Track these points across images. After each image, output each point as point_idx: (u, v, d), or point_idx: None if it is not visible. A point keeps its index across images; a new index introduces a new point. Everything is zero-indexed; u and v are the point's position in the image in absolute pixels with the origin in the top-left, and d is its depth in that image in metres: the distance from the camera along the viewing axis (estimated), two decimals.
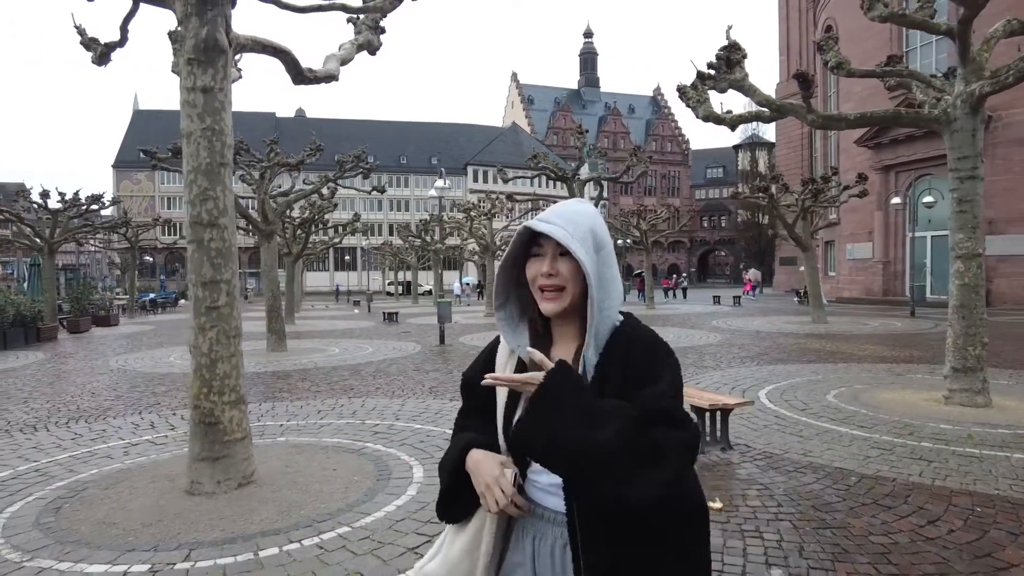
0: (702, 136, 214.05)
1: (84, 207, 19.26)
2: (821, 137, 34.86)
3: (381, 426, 6.00)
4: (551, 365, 1.08)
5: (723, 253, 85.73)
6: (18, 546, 3.42)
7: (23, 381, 9.31)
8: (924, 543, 3.20)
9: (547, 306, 1.18)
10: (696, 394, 5.19)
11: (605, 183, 15.19)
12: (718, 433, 4.95)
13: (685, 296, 35.93)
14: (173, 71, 6.04)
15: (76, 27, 5.71)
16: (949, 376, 6.37)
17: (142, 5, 5.00)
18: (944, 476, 4.22)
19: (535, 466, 1.18)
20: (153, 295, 34.72)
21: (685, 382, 6.23)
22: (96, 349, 13.73)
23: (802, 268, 34.03)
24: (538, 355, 1.10)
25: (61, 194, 18.46)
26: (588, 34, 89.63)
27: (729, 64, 7.13)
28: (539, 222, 1.15)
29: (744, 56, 7.22)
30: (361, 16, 6.05)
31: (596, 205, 14.78)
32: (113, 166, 60.49)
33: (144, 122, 63.02)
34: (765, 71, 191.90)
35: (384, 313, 22.33)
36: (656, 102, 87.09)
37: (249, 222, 12.09)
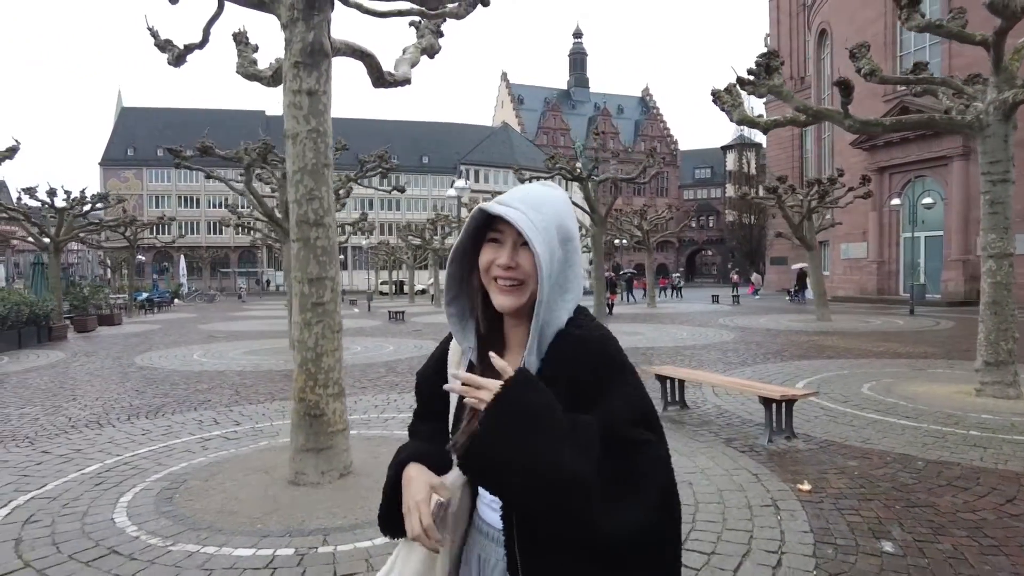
0: (690, 137, 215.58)
1: (90, 206, 19.09)
2: (814, 139, 35.55)
3: None
4: (511, 373, 0.94)
5: (710, 253, 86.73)
6: (154, 532, 3.56)
7: (60, 380, 9.31)
8: (1011, 519, 3.47)
9: (502, 300, 1.03)
10: (761, 386, 5.44)
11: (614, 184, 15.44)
12: (783, 423, 5.21)
13: (681, 295, 36.46)
14: (238, 72, 6.17)
15: (149, 29, 5.80)
16: (981, 369, 6.70)
17: (226, 6, 5.12)
18: (1005, 460, 4.52)
19: None
20: (146, 294, 34.35)
21: (724, 375, 6.46)
22: (111, 348, 13.67)
23: (794, 267, 34.90)
24: (500, 361, 0.96)
25: (67, 192, 18.28)
26: (578, 34, 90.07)
27: (768, 71, 7.40)
28: (498, 204, 1.00)
29: (781, 63, 7.50)
30: (423, 21, 6.21)
31: (611, 206, 15.05)
32: (100, 164, 59.56)
33: (131, 120, 62.19)
34: None
35: (389, 312, 22.40)
36: (645, 103, 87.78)
37: (274, 222, 12.13)
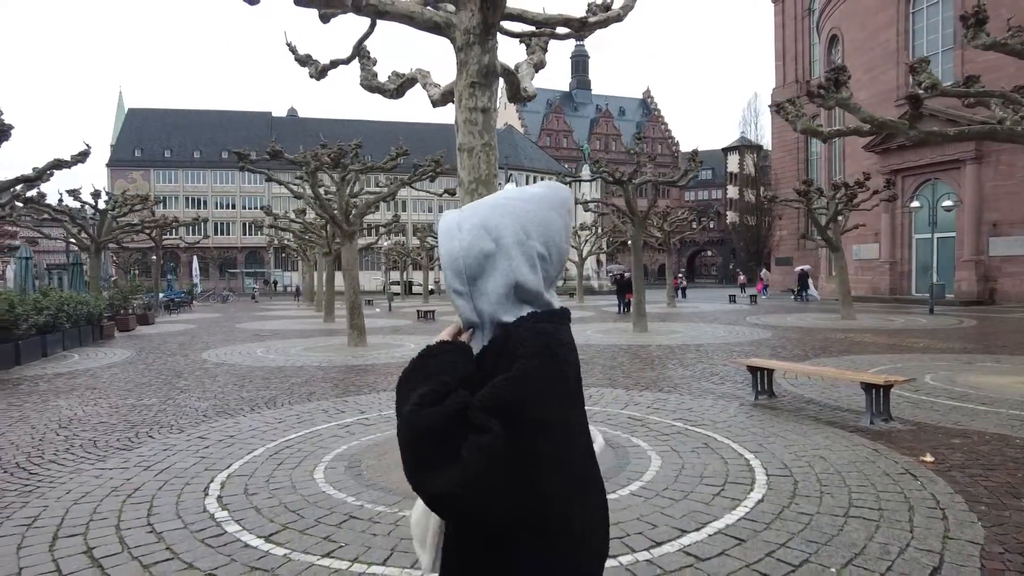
0: (691, 138, 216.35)
1: (128, 207, 19.46)
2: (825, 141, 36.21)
3: None
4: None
5: (710, 253, 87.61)
6: (374, 501, 4.03)
7: (150, 375, 9.72)
8: None
9: None
10: (860, 374, 5.96)
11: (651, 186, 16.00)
12: (880, 406, 5.73)
13: (685, 295, 37.03)
14: (361, 84, 6.66)
15: (288, 44, 6.27)
16: None
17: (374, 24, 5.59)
18: None
19: None
20: (161, 295, 34.62)
21: (811, 366, 6.95)
22: (167, 346, 14.03)
23: (797, 269, 35.68)
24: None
25: (109, 194, 18.64)
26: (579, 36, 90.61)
27: (837, 84, 7.93)
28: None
29: (849, 77, 8.04)
30: (533, 39, 6.70)
31: (649, 208, 15.59)
32: (107, 165, 59.61)
33: (137, 121, 62.34)
34: (762, 75, 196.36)
35: (418, 311, 22.84)
36: (646, 104, 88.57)
37: (334, 223, 12.58)
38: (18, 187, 12.64)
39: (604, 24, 5.05)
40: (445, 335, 1.10)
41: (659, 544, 3.28)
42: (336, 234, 13.56)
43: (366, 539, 3.46)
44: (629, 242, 38.09)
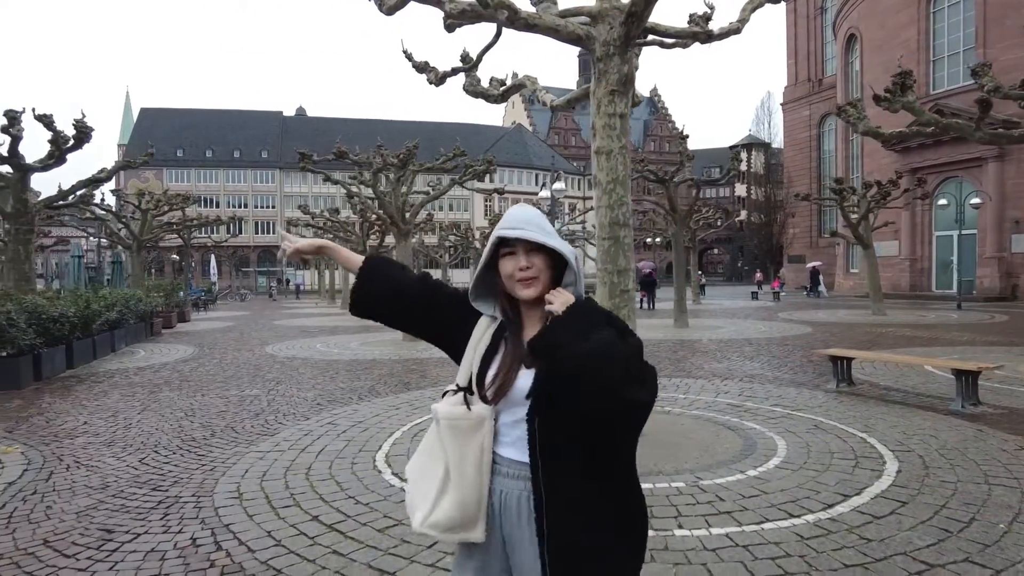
0: (698, 137, 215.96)
1: (169, 207, 19.83)
2: (842, 139, 36.59)
3: None
4: (572, 298, 1.32)
5: (717, 251, 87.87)
6: None
7: (232, 369, 10.08)
8: None
9: (526, 292, 1.35)
10: (948, 362, 6.35)
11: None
12: (969, 391, 6.12)
13: (704, 292, 37.48)
14: (465, 90, 7.05)
15: (404, 52, 6.64)
16: None
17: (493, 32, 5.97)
18: None
19: (503, 419, 1.36)
20: (181, 293, 34.94)
21: (891, 353, 7.34)
22: (221, 343, 14.37)
23: (809, 265, 36.15)
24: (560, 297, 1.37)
25: (152, 194, 19.02)
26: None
27: (903, 89, 8.32)
28: (511, 230, 1.34)
29: (915, 82, 8.42)
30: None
31: (692, 207, 15.99)
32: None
33: (149, 120, 62.66)
34: (771, 74, 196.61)
35: None
36: (653, 103, 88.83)
37: (393, 222, 12.95)
38: (82, 190, 13.00)
39: (725, 36, 5.43)
40: (571, 293, 1.39)
41: (831, 506, 3.67)
42: (392, 232, 13.91)
43: None
44: (647, 240, 38.43)
